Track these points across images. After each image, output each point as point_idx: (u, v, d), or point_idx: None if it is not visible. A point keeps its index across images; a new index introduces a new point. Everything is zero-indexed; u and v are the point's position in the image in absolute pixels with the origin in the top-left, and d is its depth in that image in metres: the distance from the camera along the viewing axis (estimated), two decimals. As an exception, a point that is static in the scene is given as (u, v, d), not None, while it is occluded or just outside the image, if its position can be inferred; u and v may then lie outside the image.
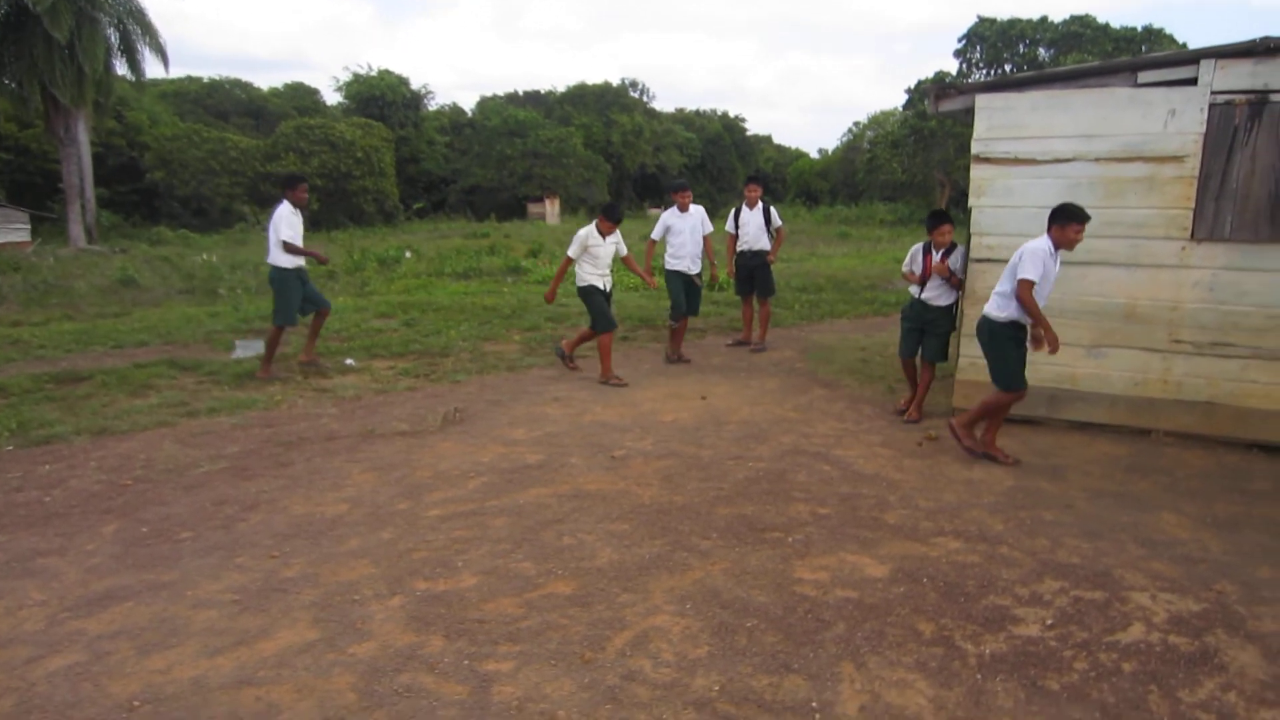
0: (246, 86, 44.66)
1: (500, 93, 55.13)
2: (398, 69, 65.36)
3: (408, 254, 20.16)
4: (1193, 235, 6.17)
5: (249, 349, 9.22)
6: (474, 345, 9.84)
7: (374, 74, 44.81)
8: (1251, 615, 3.87)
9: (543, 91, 54.41)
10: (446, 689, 3.23)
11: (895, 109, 49.63)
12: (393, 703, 3.14)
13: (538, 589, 4.03)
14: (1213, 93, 5.99)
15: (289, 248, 8.07)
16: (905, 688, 3.27)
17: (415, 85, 47.14)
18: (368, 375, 8.40)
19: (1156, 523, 4.97)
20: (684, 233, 9.27)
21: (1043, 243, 5.62)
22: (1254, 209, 5.99)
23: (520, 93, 55.21)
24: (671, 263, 9.29)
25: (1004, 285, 5.80)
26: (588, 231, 8.19)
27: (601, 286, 8.26)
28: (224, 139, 34.34)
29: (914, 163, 40.63)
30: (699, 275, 9.42)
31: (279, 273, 8.18)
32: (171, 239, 26.56)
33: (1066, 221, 5.54)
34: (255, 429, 6.59)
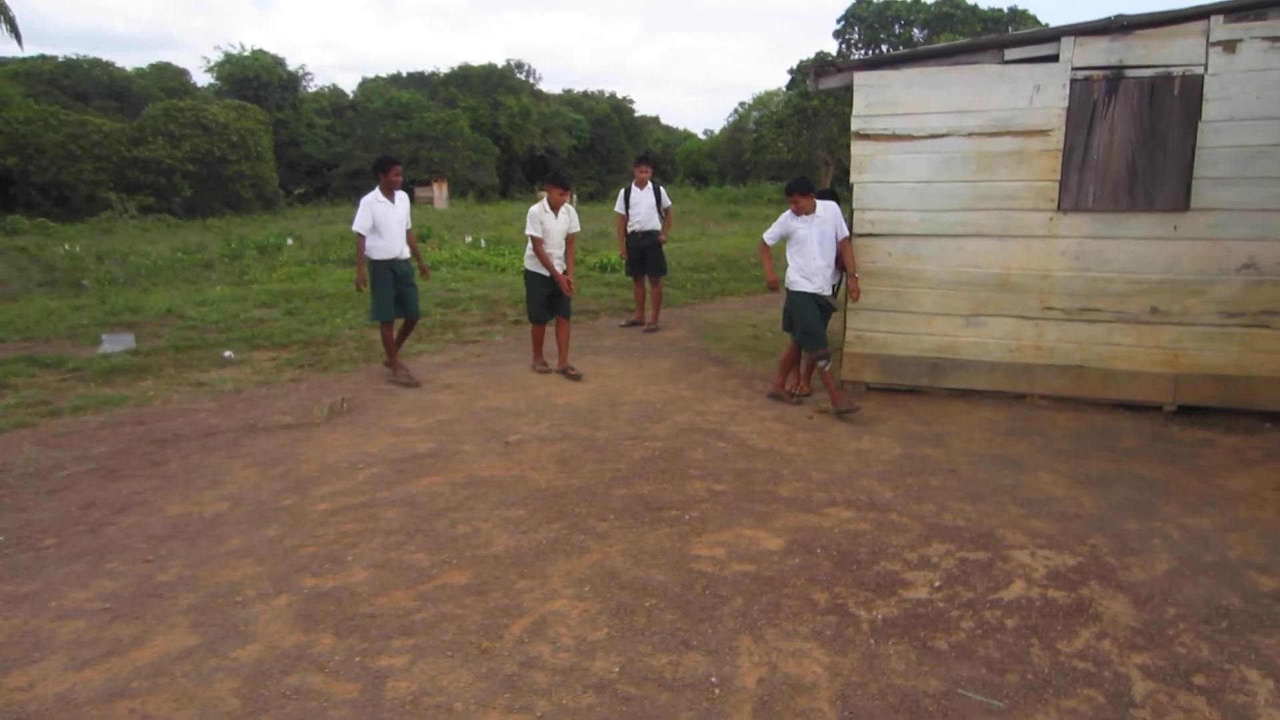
0: (108, 66, 41.91)
1: (383, 74, 53.47)
2: (272, 49, 62.73)
3: (289, 241, 19.40)
4: (1059, 206, 6.45)
5: (117, 343, 8.69)
6: (360, 333, 9.53)
7: (247, 54, 42.75)
8: (1122, 566, 4.09)
9: (426, 73, 52.99)
10: (337, 688, 3.12)
11: (779, 89, 50.41)
12: (280, 706, 3.01)
13: (432, 580, 3.93)
14: (1073, 69, 6.26)
15: (359, 242, 7.31)
16: (802, 657, 3.32)
17: (292, 66, 45.17)
18: (248, 367, 8.04)
19: (1034, 483, 5.20)
20: (811, 242, 6.68)
21: None
22: (1114, 180, 6.30)
23: (403, 74, 53.52)
24: (800, 282, 6.75)
25: None
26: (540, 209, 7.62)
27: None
28: (85, 122, 32.18)
29: (799, 142, 41.29)
30: (834, 294, 7.01)
31: (370, 265, 7.42)
32: (29, 228, 24.79)
33: None
34: (125, 427, 6.22)
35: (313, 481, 5.15)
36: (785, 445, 5.86)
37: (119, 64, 44.02)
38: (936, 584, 3.90)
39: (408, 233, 7.62)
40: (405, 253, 7.56)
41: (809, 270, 6.70)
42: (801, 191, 6.59)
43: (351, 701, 3.04)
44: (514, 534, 4.40)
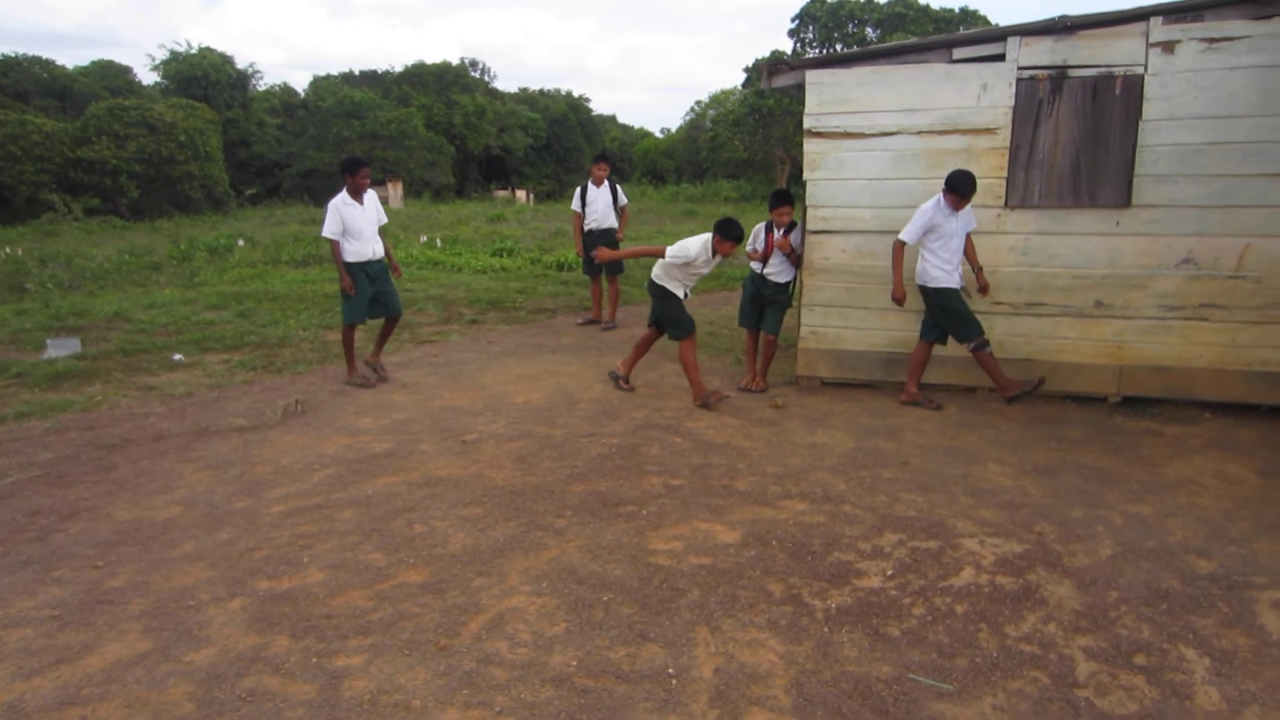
0: (48, 65, 40.88)
1: (334, 72, 52.92)
2: (220, 46, 61.72)
3: (240, 242, 19.10)
4: (1006, 203, 6.59)
5: (62, 348, 8.51)
6: (315, 334, 9.44)
7: (194, 52, 42.02)
8: (1067, 552, 4.20)
9: (380, 71, 52.50)
10: (294, 689, 3.10)
11: (735, 88, 50.67)
12: (235, 708, 2.98)
13: (389, 579, 3.92)
14: (1019, 68, 6.40)
15: (334, 248, 7.23)
16: (757, 646, 3.37)
17: (241, 64, 44.51)
18: (199, 370, 7.92)
19: (983, 473, 5.31)
20: (957, 236, 6.40)
21: None
22: (1059, 177, 6.45)
23: (356, 72, 52.96)
24: (944, 278, 6.46)
25: None
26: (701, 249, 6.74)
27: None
28: (25, 121, 31.38)
29: (755, 140, 41.55)
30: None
31: (351, 269, 7.30)
32: (-32, 232, 24.19)
33: None
34: (72, 433, 6.10)
35: (267, 484, 5.10)
36: (741, 440, 5.91)
37: (60, 62, 42.96)
38: (889, 573, 3.97)
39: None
40: (379, 253, 7.47)
41: (954, 263, 6.43)
42: (973, 189, 6.23)
43: (308, 702, 3.02)
44: (471, 532, 4.40)
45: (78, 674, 3.20)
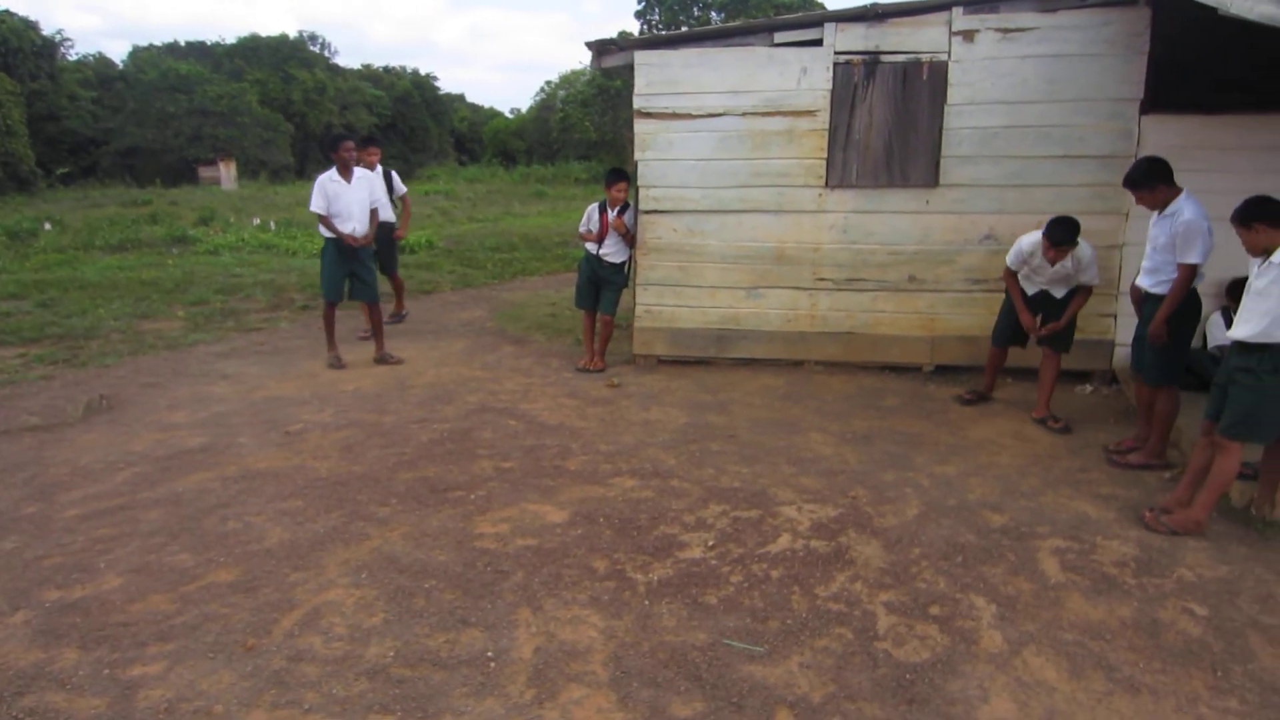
0: None
1: (157, 43, 49.38)
2: (21, 10, 56.63)
3: (47, 225, 17.64)
4: (827, 182, 6.85)
5: None
6: (128, 324, 8.82)
7: (-11, 16, 38.38)
8: (877, 514, 4.42)
9: (209, 43, 49.47)
10: (81, 704, 2.90)
11: (585, 68, 50.50)
12: (12, 730, 2.77)
13: (195, 581, 3.72)
14: (836, 53, 6.64)
15: (322, 220, 7.17)
16: (579, 624, 3.40)
17: (47, 30, 40.96)
18: (-9, 366, 7.26)
19: (806, 443, 5.52)
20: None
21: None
22: (874, 158, 6.75)
23: (182, 43, 49.73)
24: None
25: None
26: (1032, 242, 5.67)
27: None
28: None
29: (604, 121, 41.61)
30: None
31: (325, 242, 7.33)
32: None
33: None
34: None
35: (61, 486, 4.74)
36: (576, 420, 5.93)
37: None
38: (710, 543, 4.08)
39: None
40: (361, 231, 7.28)
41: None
42: (1151, 188, 4.84)
43: (97, 717, 2.84)
44: (289, 526, 4.23)
45: None
